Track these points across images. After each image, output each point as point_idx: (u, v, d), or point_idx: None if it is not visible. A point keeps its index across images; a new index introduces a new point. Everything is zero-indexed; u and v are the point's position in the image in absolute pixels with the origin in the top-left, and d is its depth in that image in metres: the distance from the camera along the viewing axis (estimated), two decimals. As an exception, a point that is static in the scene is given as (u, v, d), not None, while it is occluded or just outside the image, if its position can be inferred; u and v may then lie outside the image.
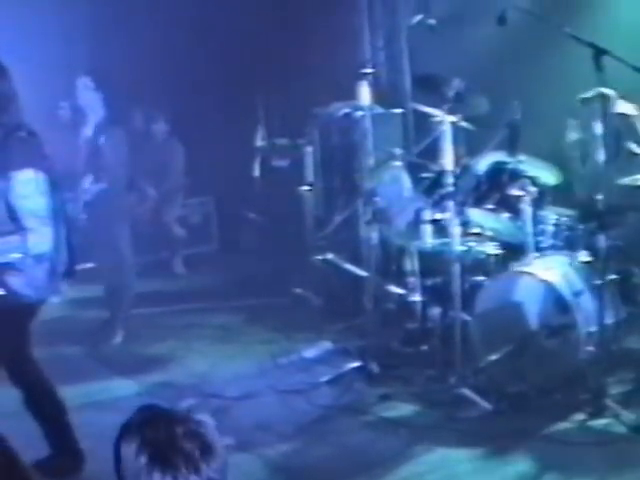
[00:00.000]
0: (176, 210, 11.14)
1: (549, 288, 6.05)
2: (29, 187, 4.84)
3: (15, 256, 4.91)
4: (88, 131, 7.94)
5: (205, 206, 11.56)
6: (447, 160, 6.44)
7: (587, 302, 6.02)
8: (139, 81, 9.82)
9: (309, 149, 8.87)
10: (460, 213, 6.54)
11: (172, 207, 11.05)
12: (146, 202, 10.60)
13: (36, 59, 9.45)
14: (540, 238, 6.57)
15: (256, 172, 10.03)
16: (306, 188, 8.80)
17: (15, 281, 5.00)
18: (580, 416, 5.79)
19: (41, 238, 4.91)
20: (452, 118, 6.53)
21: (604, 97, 5.98)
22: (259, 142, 10.08)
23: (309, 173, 8.85)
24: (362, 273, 7.70)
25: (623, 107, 6.31)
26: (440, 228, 6.72)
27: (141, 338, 8.28)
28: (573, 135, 6.87)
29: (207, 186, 11.20)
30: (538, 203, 6.54)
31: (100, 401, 6.64)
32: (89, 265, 8.07)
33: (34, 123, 5.08)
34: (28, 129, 4.97)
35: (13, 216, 4.89)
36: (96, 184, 7.83)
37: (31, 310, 5.22)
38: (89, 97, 7.86)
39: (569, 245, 6.57)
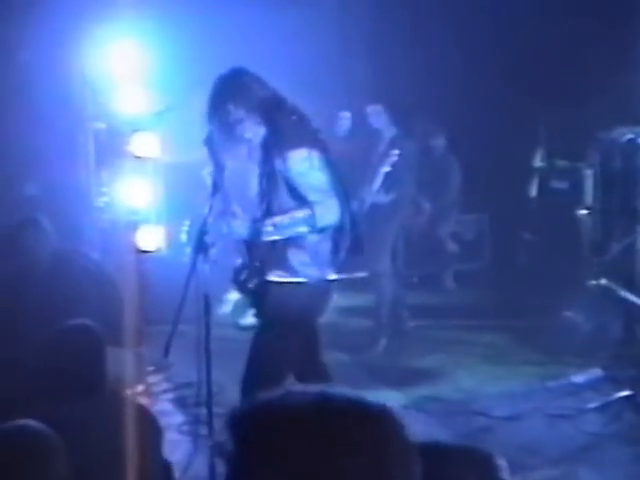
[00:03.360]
0: (450, 225, 11.23)
1: None
2: (305, 164, 5.02)
3: (303, 230, 5.03)
4: (382, 146, 8.50)
5: (479, 223, 11.54)
6: None
7: None
8: (420, 97, 9.96)
9: (589, 172, 8.76)
10: None
11: (446, 222, 11.15)
12: (421, 216, 10.75)
13: (315, 68, 9.88)
14: None
15: (533, 192, 10.01)
16: (584, 211, 8.70)
17: (297, 260, 5.09)
18: None
19: (328, 210, 5.02)
20: None
21: None
22: (538, 162, 10.06)
23: (588, 196, 8.75)
24: (638, 301, 7.55)
25: None
26: None
27: (409, 350, 8.43)
28: None
29: (482, 203, 11.21)
30: None
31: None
32: (358, 274, 8.28)
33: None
34: (299, 113, 5.20)
35: (294, 194, 5.07)
36: (387, 193, 8.34)
37: (315, 289, 5.20)
38: (381, 120, 8.61)
39: None
